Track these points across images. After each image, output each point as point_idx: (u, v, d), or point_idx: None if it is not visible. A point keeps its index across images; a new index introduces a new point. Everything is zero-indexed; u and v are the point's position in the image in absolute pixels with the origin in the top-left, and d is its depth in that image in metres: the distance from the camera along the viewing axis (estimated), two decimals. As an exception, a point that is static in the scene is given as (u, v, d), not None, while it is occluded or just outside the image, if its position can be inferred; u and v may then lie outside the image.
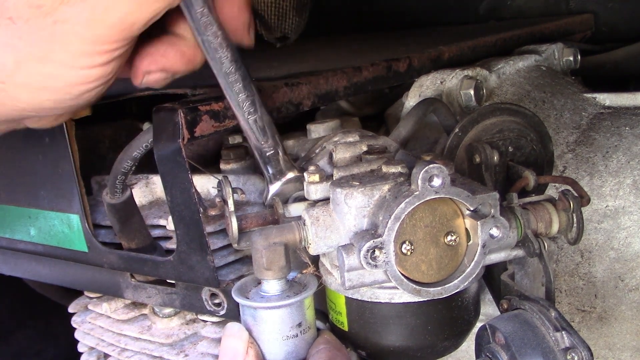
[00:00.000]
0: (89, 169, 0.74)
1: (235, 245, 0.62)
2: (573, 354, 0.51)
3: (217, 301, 0.66)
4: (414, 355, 0.60)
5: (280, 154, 0.59)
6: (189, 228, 0.60)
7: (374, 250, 0.52)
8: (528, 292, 0.58)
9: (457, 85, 0.83)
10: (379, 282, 0.56)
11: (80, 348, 0.87)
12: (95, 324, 0.82)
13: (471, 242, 0.56)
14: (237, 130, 0.63)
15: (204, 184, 0.73)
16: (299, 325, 0.58)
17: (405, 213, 0.52)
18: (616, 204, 0.81)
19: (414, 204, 0.52)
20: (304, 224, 0.57)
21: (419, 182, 0.51)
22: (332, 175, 0.61)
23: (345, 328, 0.61)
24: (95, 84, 0.50)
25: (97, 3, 0.46)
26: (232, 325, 0.58)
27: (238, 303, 0.59)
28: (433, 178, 0.51)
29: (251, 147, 0.59)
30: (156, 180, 0.76)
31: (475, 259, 0.55)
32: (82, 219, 0.70)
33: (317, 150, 0.70)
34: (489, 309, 0.73)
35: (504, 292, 0.62)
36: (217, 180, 0.63)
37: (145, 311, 0.79)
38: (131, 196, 0.68)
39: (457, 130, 0.71)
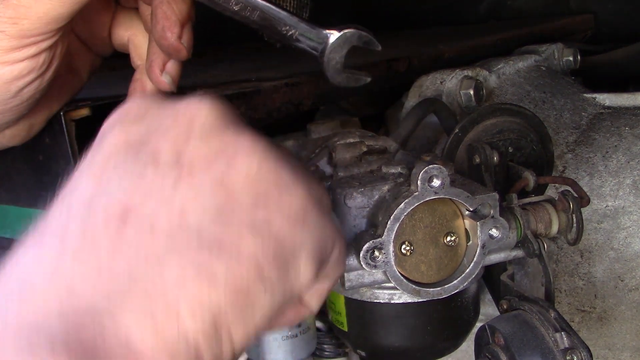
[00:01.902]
0: (89, 169, 0.74)
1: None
2: (572, 355, 0.51)
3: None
4: (413, 355, 0.60)
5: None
6: (189, 228, 0.60)
7: (374, 251, 0.52)
8: (528, 293, 0.58)
9: (457, 85, 0.83)
10: (378, 283, 0.56)
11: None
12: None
13: (471, 242, 0.56)
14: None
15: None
16: (299, 325, 0.58)
17: (405, 213, 0.52)
18: (616, 204, 0.81)
19: (414, 205, 0.52)
20: (304, 225, 0.57)
21: (419, 182, 0.51)
22: (331, 176, 0.61)
23: (345, 328, 0.61)
24: (31, 76, 0.50)
25: (18, 4, 0.46)
26: None
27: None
28: (433, 179, 0.52)
29: (279, 36, 0.54)
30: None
31: (475, 259, 0.55)
32: (82, 219, 0.70)
33: (317, 150, 0.70)
34: (488, 309, 0.73)
35: (503, 292, 0.62)
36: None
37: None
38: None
39: (457, 130, 0.71)
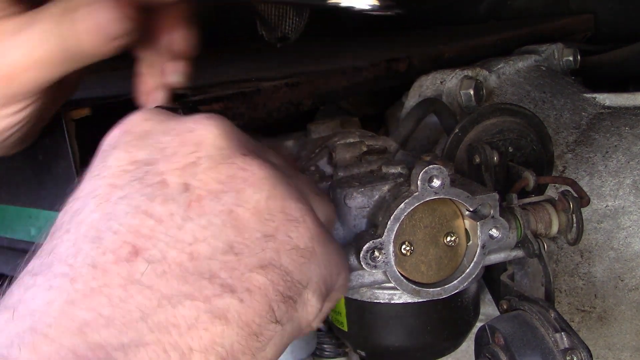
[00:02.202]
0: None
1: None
2: (572, 355, 0.51)
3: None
4: (413, 355, 0.60)
5: None
6: (188, 228, 0.60)
7: (374, 251, 0.52)
8: (528, 293, 0.58)
9: (457, 85, 0.83)
10: (378, 283, 0.56)
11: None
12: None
13: (471, 242, 0.56)
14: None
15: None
16: (299, 325, 0.58)
17: (405, 214, 0.52)
18: (616, 204, 0.81)
19: (414, 205, 0.52)
20: (304, 225, 0.57)
21: (419, 182, 0.51)
22: (331, 176, 0.61)
23: (345, 328, 0.61)
24: (17, 127, 0.50)
25: (10, 66, 0.45)
26: None
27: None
28: (433, 179, 0.52)
29: None
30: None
31: (475, 259, 0.55)
32: (82, 219, 0.70)
33: (317, 150, 0.70)
34: (488, 309, 0.73)
35: (503, 292, 0.62)
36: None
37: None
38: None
39: (457, 130, 0.71)
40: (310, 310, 0.39)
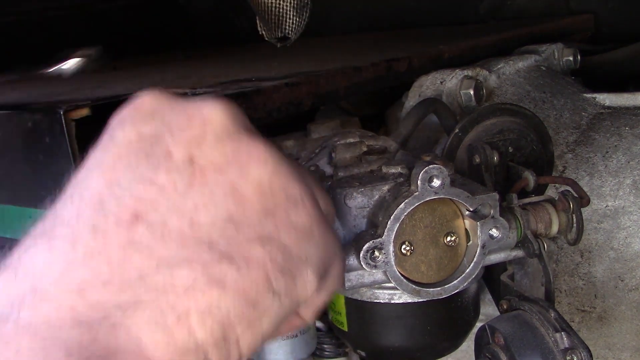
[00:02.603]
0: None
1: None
2: (572, 355, 0.51)
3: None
4: (413, 355, 0.60)
5: None
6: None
7: (374, 251, 0.52)
8: (528, 293, 0.58)
9: (457, 85, 0.83)
10: (378, 283, 0.56)
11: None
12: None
13: (471, 242, 0.56)
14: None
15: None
16: (299, 325, 0.58)
17: (405, 214, 0.52)
18: (616, 204, 0.81)
19: (414, 205, 0.52)
20: (304, 225, 0.57)
21: (419, 182, 0.51)
22: (331, 176, 0.61)
23: (345, 328, 0.61)
24: None
25: None
26: None
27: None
28: (433, 179, 0.52)
29: None
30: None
31: (475, 259, 0.55)
32: (82, 219, 0.69)
33: (317, 150, 0.70)
34: (488, 309, 0.73)
35: (503, 292, 0.62)
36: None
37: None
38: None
39: (457, 130, 0.71)
40: (309, 287, 0.40)
